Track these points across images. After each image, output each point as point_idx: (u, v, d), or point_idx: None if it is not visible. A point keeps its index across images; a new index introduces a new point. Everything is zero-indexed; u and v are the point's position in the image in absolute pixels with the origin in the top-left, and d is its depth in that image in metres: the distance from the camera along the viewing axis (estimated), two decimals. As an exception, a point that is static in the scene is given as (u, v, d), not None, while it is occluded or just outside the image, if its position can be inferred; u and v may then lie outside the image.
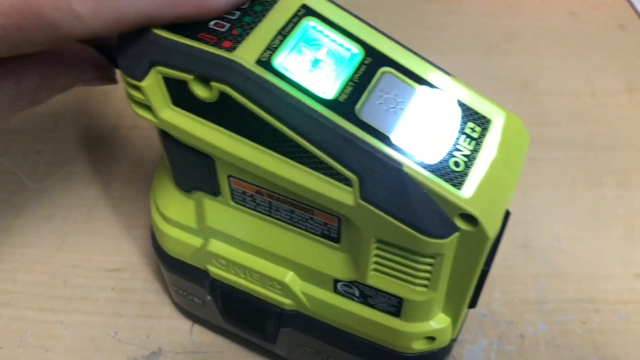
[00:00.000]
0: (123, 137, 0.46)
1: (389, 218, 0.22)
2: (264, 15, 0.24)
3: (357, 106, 0.23)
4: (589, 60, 0.52)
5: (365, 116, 0.23)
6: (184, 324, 0.37)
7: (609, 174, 0.45)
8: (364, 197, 0.22)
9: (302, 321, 0.30)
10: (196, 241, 0.30)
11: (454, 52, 0.52)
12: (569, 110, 0.48)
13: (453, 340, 0.29)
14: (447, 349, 0.29)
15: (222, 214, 0.28)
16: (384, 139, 0.22)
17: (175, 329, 0.37)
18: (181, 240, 0.30)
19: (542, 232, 0.41)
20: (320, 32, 0.24)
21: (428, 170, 0.22)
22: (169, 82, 0.23)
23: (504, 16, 0.55)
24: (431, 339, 0.27)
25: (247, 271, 0.29)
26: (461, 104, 0.24)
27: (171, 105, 0.24)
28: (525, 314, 0.38)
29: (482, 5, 0.56)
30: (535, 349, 0.37)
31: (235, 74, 0.22)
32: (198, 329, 0.37)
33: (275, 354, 0.34)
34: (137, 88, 0.23)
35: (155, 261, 0.39)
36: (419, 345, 0.28)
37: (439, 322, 0.27)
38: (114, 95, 0.48)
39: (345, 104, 0.23)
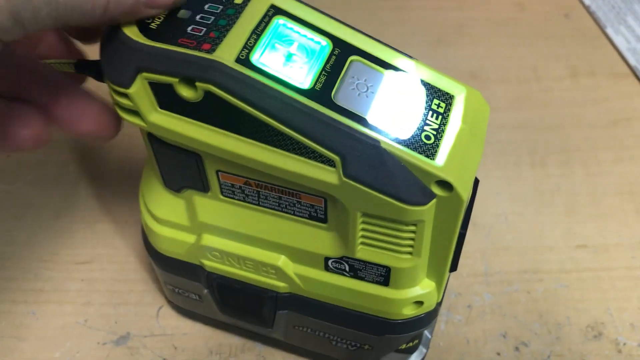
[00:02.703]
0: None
1: (372, 191, 0.24)
2: (237, 18, 0.25)
3: (332, 93, 0.25)
4: (535, 48, 0.55)
5: (341, 101, 0.25)
6: (151, 309, 0.39)
7: (552, 153, 0.47)
8: (347, 174, 0.24)
9: (297, 302, 0.31)
10: (190, 237, 0.31)
11: (406, 46, 0.54)
12: (515, 96, 0.51)
13: (439, 304, 0.31)
14: (434, 312, 0.31)
15: (212, 208, 0.30)
16: (361, 120, 0.24)
17: (142, 314, 0.39)
18: (175, 238, 0.32)
19: (489, 210, 0.44)
20: (291, 28, 0.26)
21: (403, 145, 0.24)
22: (155, 86, 0.25)
23: (453, 10, 0.58)
24: (419, 303, 0.30)
25: (241, 260, 0.31)
26: (425, 84, 0.26)
27: (158, 109, 0.26)
28: (473, 286, 0.40)
29: (433, 0, 0.59)
30: (481, 318, 0.39)
31: (217, 72, 0.24)
32: (164, 314, 0.39)
33: (273, 339, 0.36)
34: (125, 95, 0.25)
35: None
36: (409, 311, 0.30)
37: (424, 286, 0.29)
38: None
39: (321, 92, 0.25)
